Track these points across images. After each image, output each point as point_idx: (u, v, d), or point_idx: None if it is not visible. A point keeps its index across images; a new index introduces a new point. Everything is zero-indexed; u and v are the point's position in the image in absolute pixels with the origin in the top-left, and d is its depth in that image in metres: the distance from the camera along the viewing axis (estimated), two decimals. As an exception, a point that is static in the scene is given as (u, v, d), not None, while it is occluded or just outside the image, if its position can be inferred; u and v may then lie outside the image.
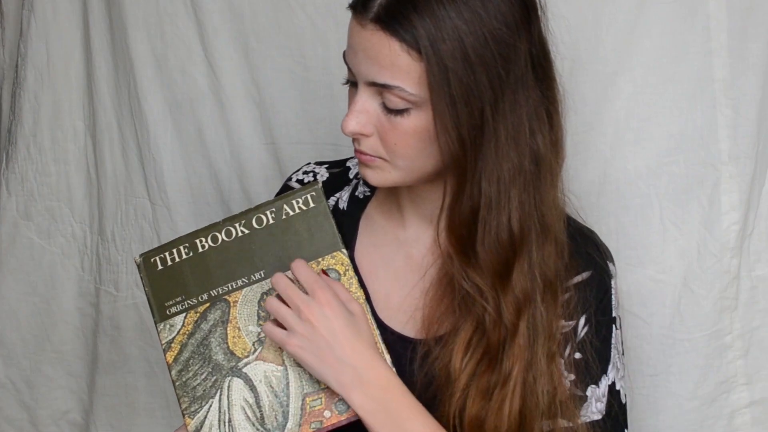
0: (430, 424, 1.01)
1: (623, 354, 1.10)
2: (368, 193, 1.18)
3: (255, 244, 1.07)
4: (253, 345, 1.05)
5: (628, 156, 1.32)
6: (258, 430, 1.03)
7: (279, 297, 1.02)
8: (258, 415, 1.03)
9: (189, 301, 1.07)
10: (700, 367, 1.32)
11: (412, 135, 0.98)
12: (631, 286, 1.32)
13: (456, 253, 1.03)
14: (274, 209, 1.08)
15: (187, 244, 1.08)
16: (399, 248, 1.14)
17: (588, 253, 1.06)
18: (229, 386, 1.04)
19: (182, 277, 1.07)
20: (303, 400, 1.03)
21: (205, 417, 1.03)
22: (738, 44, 1.27)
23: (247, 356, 1.05)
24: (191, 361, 1.05)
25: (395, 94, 0.96)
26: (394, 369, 1.02)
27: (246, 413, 1.03)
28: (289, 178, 1.23)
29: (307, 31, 1.45)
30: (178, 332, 1.06)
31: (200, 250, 1.08)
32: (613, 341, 1.06)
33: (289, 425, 1.02)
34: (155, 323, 1.07)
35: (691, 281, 1.31)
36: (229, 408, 1.04)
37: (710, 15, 1.27)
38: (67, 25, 1.58)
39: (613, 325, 1.07)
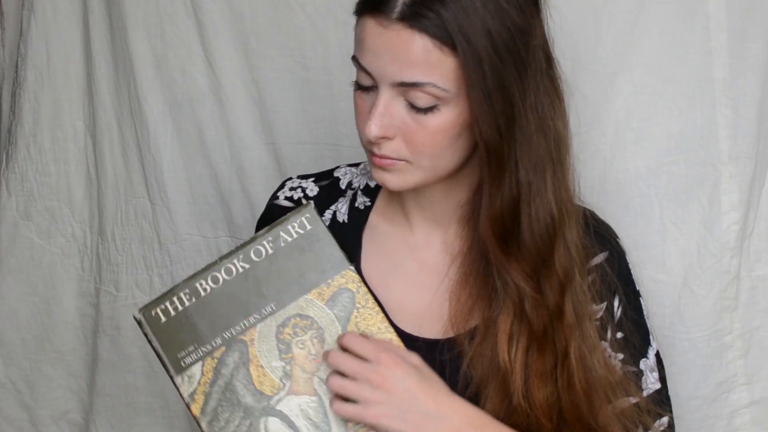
0: None
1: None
2: (369, 204, 1.17)
3: (258, 277, 1.03)
4: (281, 380, 1.02)
5: (628, 156, 1.32)
6: None
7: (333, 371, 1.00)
8: None
9: (203, 348, 1.02)
10: (700, 367, 1.32)
11: (440, 132, 0.98)
12: (631, 286, 1.32)
13: (497, 244, 1.03)
14: (270, 238, 1.04)
15: (187, 290, 1.03)
16: (410, 254, 1.13)
17: (599, 234, 1.09)
18: (265, 427, 1.01)
19: (190, 325, 1.02)
20: (346, 425, 1.00)
21: None
22: (738, 44, 1.27)
23: (277, 393, 1.01)
24: (219, 409, 1.01)
25: (426, 92, 0.96)
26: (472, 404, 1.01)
27: None
28: (275, 197, 1.21)
29: (307, 31, 1.44)
30: (199, 382, 1.01)
31: (203, 294, 1.03)
32: (645, 312, 1.10)
33: None
34: (172, 377, 1.02)
35: (691, 281, 1.31)
36: None
37: (710, 15, 1.27)
38: (67, 25, 1.58)
39: (640, 298, 1.11)
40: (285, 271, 1.03)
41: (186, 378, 1.02)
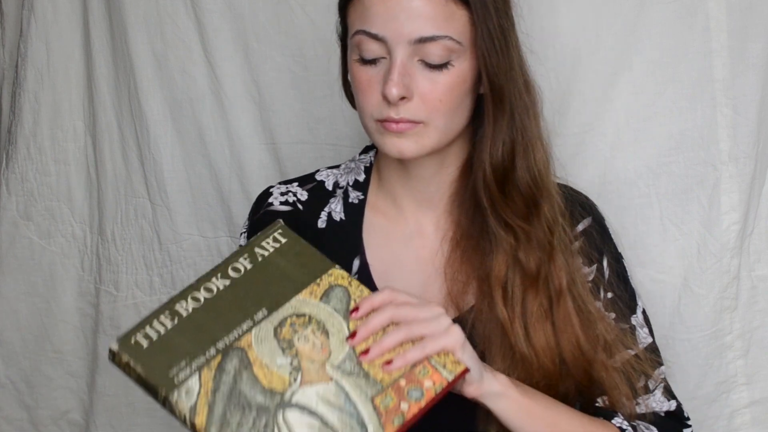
0: (552, 399, 1.05)
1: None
2: (362, 197, 1.19)
3: (243, 289, 1.00)
4: (290, 375, 0.97)
5: (628, 156, 1.32)
6: None
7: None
8: None
9: (197, 360, 0.96)
10: (700, 367, 1.32)
11: (455, 87, 1.05)
12: (631, 286, 1.32)
13: (495, 186, 1.08)
14: (246, 255, 1.01)
15: (167, 312, 0.98)
16: (406, 244, 1.15)
17: (580, 201, 1.15)
18: (285, 420, 0.95)
19: (176, 344, 0.96)
20: (372, 402, 0.96)
21: None
22: (738, 44, 1.27)
23: (290, 386, 0.96)
24: (228, 413, 0.94)
25: (441, 46, 1.02)
26: None
27: None
28: (270, 204, 1.20)
29: (307, 31, 1.44)
30: (199, 394, 0.95)
31: (184, 314, 0.98)
32: (628, 273, 1.16)
33: (370, 430, 0.94)
34: (166, 397, 0.94)
35: (691, 281, 1.31)
36: None
37: (710, 15, 1.27)
38: (67, 25, 1.58)
39: (623, 260, 1.16)
40: (270, 278, 1.01)
41: (183, 393, 0.95)
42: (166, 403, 0.95)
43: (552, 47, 1.31)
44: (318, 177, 1.23)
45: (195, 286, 1.00)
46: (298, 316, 1.01)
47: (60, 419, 1.69)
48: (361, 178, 1.20)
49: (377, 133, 1.07)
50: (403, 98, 1.03)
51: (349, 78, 1.14)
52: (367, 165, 1.21)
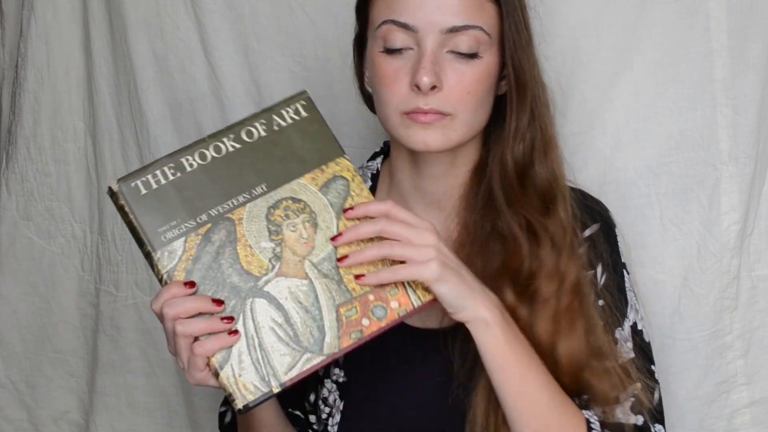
0: (537, 357, 1.03)
1: (636, 297, 1.15)
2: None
3: (249, 158, 0.99)
4: (270, 261, 0.97)
5: (628, 156, 1.32)
6: (294, 349, 0.95)
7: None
8: (291, 333, 0.96)
9: (187, 224, 0.96)
10: (700, 367, 1.32)
11: (482, 80, 1.06)
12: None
13: (517, 182, 1.09)
14: (263, 121, 1.00)
15: (172, 164, 0.97)
16: None
17: (591, 207, 1.15)
18: (252, 308, 0.96)
19: (172, 200, 0.96)
20: (337, 311, 0.97)
21: (232, 345, 0.95)
22: (738, 44, 1.27)
23: (266, 274, 0.97)
24: (202, 287, 0.95)
25: (472, 36, 1.04)
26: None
27: (277, 333, 0.96)
28: None
29: (307, 31, 1.44)
30: (180, 258, 0.95)
31: (188, 169, 0.97)
32: (627, 285, 1.14)
33: (327, 339, 0.96)
34: (149, 252, 0.95)
35: (691, 281, 1.31)
36: (257, 331, 0.95)
37: (710, 15, 1.27)
38: (67, 25, 1.58)
39: (624, 270, 1.15)
40: (278, 153, 1.00)
41: (166, 254, 0.95)
42: (148, 257, 0.96)
43: (552, 47, 1.31)
44: None
45: (205, 143, 0.99)
46: (295, 200, 1.00)
47: (60, 419, 1.69)
48: (367, 185, 1.20)
49: (402, 127, 1.06)
50: (433, 87, 1.03)
51: (366, 77, 1.14)
52: (374, 172, 1.21)
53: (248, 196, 0.98)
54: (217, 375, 0.95)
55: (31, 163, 1.63)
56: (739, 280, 1.31)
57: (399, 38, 1.05)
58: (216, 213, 0.97)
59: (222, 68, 1.49)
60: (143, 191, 0.96)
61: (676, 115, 1.30)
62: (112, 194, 0.96)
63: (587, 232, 1.13)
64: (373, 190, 1.20)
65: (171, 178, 0.97)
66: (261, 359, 0.95)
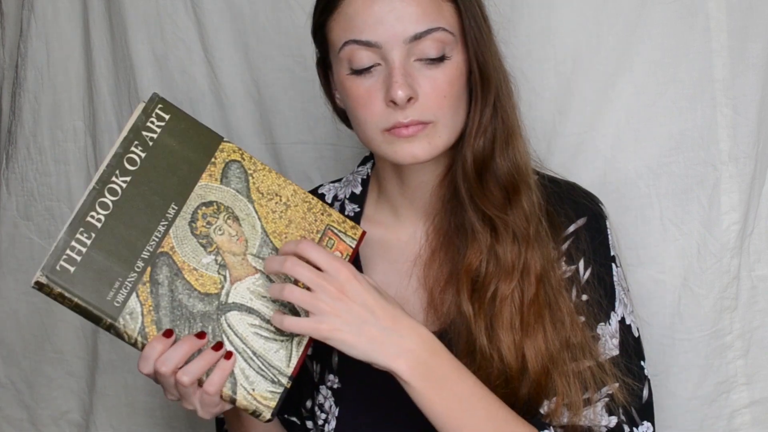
0: (479, 386, 1.00)
1: (628, 290, 1.14)
2: (357, 210, 1.19)
3: (145, 185, 0.98)
4: (219, 273, 0.98)
5: (628, 156, 1.32)
6: (282, 341, 0.98)
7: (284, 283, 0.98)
8: (272, 328, 0.98)
9: (129, 279, 0.95)
10: (700, 367, 1.32)
11: (454, 81, 1.05)
12: (631, 286, 1.31)
13: (474, 176, 1.07)
14: (137, 142, 0.98)
15: (81, 228, 0.95)
16: (404, 253, 1.15)
17: (577, 202, 1.12)
18: (228, 324, 0.97)
19: (102, 263, 0.94)
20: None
21: (233, 368, 0.96)
22: (738, 44, 1.27)
23: (223, 287, 0.98)
24: (177, 329, 0.96)
25: (436, 39, 1.03)
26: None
27: (261, 335, 0.98)
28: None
29: (307, 31, 1.44)
30: (142, 314, 0.95)
31: (99, 225, 0.95)
32: (615, 279, 1.11)
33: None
34: (111, 324, 0.94)
35: (691, 281, 1.31)
36: (244, 342, 0.97)
37: (710, 15, 1.27)
38: (67, 25, 1.58)
39: (613, 264, 1.12)
40: (168, 166, 0.99)
41: (127, 317, 0.94)
42: (111, 329, 0.95)
43: (552, 47, 1.31)
44: (321, 191, 1.25)
45: (99, 190, 0.97)
46: (206, 204, 1.00)
47: (60, 419, 1.69)
48: (358, 190, 1.21)
49: (386, 144, 1.05)
50: (410, 99, 1.02)
51: (337, 99, 1.14)
52: (364, 177, 1.21)
53: (166, 222, 0.98)
54: (233, 401, 0.97)
55: (31, 163, 1.63)
56: (739, 280, 1.31)
57: (364, 57, 1.03)
58: (148, 253, 0.96)
59: (222, 68, 1.49)
60: (72, 269, 0.93)
61: (676, 115, 1.30)
62: (42, 287, 0.93)
63: (572, 228, 1.11)
64: (363, 195, 1.20)
65: (89, 243, 0.94)
66: (262, 365, 0.98)
